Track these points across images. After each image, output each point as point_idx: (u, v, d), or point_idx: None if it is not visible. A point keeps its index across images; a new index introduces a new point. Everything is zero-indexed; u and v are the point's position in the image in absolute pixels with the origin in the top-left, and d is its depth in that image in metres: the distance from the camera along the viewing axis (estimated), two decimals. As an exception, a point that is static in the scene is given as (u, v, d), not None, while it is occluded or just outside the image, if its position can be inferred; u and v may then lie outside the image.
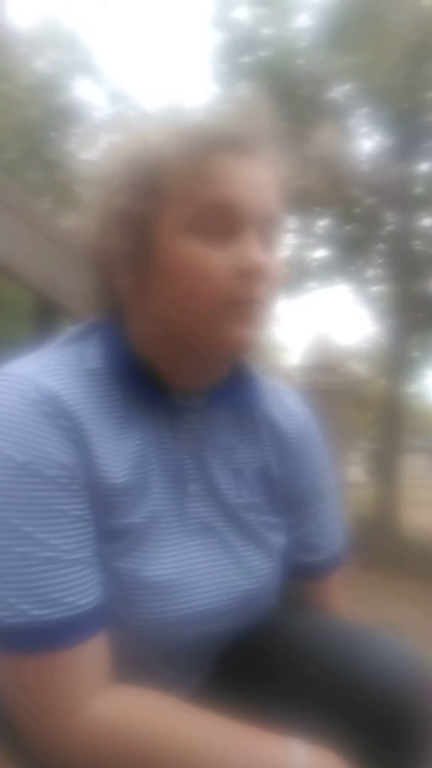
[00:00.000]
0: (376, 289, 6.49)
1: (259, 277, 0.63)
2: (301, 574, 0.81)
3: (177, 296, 0.64)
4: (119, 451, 0.65)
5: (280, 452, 0.78)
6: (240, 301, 0.63)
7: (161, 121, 0.71)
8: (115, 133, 0.71)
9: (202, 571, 0.68)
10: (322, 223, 6.41)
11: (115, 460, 0.64)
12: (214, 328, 0.64)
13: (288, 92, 5.36)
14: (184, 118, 0.71)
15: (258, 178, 0.65)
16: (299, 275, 6.19)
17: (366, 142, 6.08)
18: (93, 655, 0.59)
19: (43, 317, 1.47)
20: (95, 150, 0.71)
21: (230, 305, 0.63)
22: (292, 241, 6.29)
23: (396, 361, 6.14)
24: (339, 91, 5.84)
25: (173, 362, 0.69)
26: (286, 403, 0.80)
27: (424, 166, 6.00)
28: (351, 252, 6.31)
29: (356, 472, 8.17)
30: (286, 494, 0.78)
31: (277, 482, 0.77)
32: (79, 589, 0.59)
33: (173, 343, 0.67)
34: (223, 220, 0.63)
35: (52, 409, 0.61)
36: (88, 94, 7.09)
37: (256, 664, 0.73)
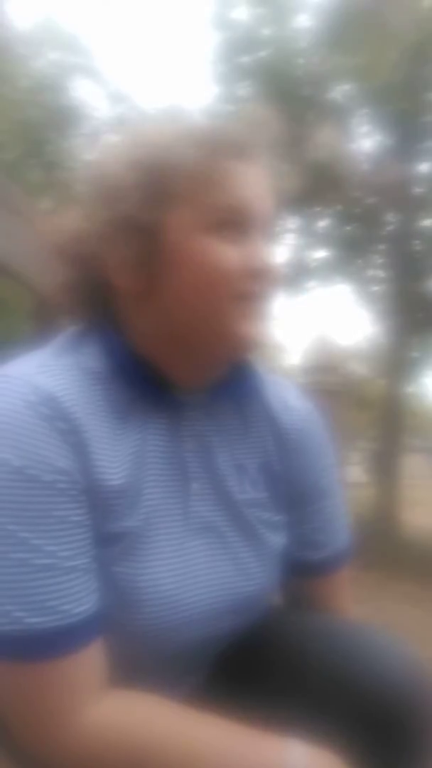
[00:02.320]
0: (376, 289, 6.48)
1: (267, 276, 0.67)
2: (305, 571, 0.81)
3: (191, 294, 0.65)
4: (117, 451, 0.64)
5: (281, 448, 0.77)
6: (249, 299, 0.66)
7: (165, 123, 0.72)
8: (118, 135, 0.69)
9: (201, 574, 0.68)
10: (322, 223, 6.39)
11: (113, 461, 0.63)
12: (225, 325, 0.66)
13: (288, 92, 5.35)
14: (188, 122, 0.72)
15: (262, 182, 0.68)
16: (299, 275, 6.18)
17: (366, 142, 6.07)
18: (89, 662, 0.59)
19: (43, 317, 1.47)
20: (97, 152, 0.69)
21: (241, 302, 0.66)
22: (292, 241, 6.30)
23: (396, 361, 6.13)
24: (339, 91, 5.82)
25: (176, 360, 0.69)
26: (287, 399, 0.80)
27: (424, 166, 5.98)
28: (351, 252, 6.30)
29: (356, 472, 8.16)
30: (289, 491, 0.78)
31: (279, 478, 0.77)
32: (76, 597, 0.58)
33: (178, 341, 0.68)
34: (235, 222, 0.66)
35: (50, 411, 0.60)
36: (88, 94, 7.05)
37: (254, 664, 0.73)
